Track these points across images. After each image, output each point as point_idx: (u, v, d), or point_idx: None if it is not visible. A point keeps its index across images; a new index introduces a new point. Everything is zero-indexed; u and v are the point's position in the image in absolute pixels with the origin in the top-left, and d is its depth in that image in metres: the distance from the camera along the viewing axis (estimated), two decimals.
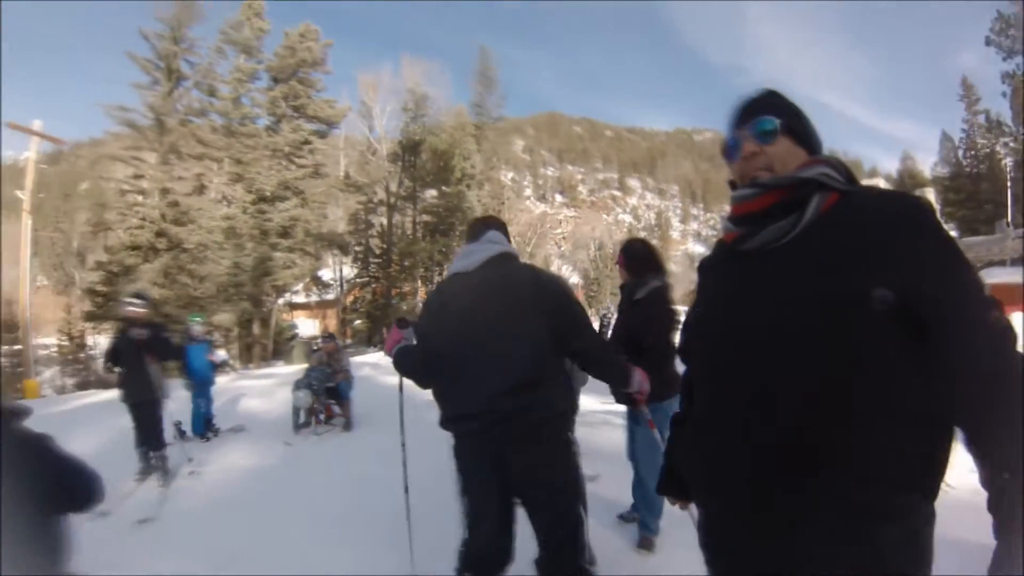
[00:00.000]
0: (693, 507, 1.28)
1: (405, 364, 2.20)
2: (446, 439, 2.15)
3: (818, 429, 0.91)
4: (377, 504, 3.85)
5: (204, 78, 22.16)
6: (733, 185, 1.15)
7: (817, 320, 0.90)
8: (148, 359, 4.85)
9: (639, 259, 3.08)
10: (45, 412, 9.32)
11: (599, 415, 6.36)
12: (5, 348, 17.30)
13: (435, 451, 2.81)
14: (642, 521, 3.16)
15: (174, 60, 20.98)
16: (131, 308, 5.00)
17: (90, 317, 19.54)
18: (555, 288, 2.06)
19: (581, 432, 2.78)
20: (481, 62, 32.77)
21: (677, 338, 2.64)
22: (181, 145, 21.11)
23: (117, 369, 4.98)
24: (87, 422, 7.41)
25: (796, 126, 1.09)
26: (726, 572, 1.11)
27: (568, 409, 2.15)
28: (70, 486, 1.43)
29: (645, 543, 3.09)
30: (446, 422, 2.09)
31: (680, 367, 1.40)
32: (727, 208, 1.16)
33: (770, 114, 1.08)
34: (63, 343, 20.26)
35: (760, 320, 0.98)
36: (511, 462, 1.95)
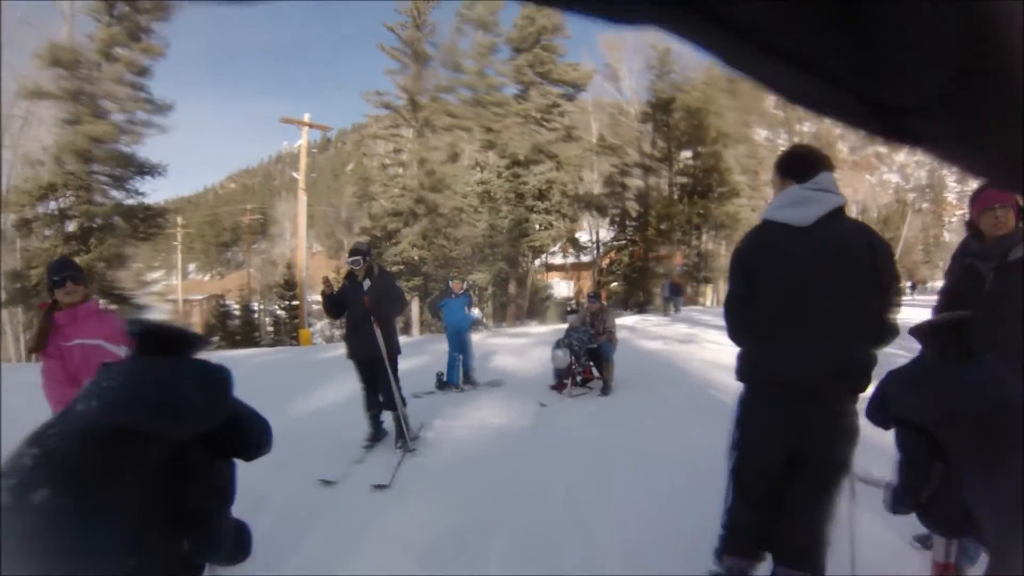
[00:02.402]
0: None
1: (730, 315, 2.03)
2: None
3: None
4: (629, 479, 3.58)
5: (448, 56, 23.04)
6: None
7: None
8: (374, 318, 4.47)
9: None
10: (316, 357, 10.64)
11: None
12: (285, 304, 20.20)
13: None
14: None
15: (419, 44, 22.26)
16: (351, 265, 4.73)
17: None
18: (888, 263, 1.84)
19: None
20: None
21: None
22: (434, 119, 22.60)
23: (336, 321, 4.98)
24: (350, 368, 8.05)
25: None
26: None
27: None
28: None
29: None
30: (746, 376, 1.97)
31: None
32: None
33: None
34: None
35: None
36: (804, 433, 1.85)
